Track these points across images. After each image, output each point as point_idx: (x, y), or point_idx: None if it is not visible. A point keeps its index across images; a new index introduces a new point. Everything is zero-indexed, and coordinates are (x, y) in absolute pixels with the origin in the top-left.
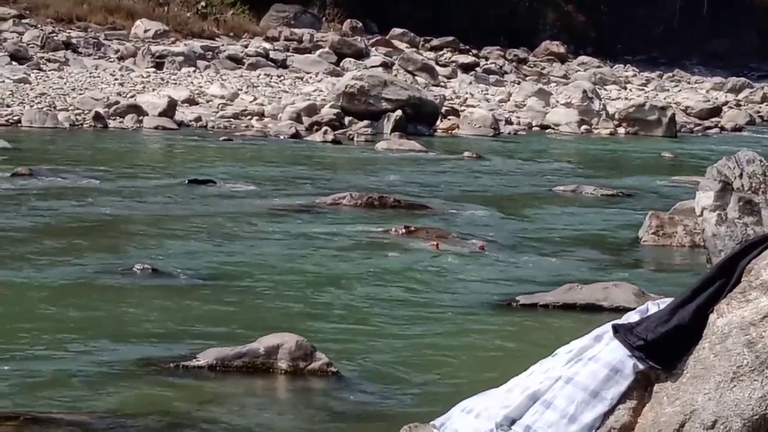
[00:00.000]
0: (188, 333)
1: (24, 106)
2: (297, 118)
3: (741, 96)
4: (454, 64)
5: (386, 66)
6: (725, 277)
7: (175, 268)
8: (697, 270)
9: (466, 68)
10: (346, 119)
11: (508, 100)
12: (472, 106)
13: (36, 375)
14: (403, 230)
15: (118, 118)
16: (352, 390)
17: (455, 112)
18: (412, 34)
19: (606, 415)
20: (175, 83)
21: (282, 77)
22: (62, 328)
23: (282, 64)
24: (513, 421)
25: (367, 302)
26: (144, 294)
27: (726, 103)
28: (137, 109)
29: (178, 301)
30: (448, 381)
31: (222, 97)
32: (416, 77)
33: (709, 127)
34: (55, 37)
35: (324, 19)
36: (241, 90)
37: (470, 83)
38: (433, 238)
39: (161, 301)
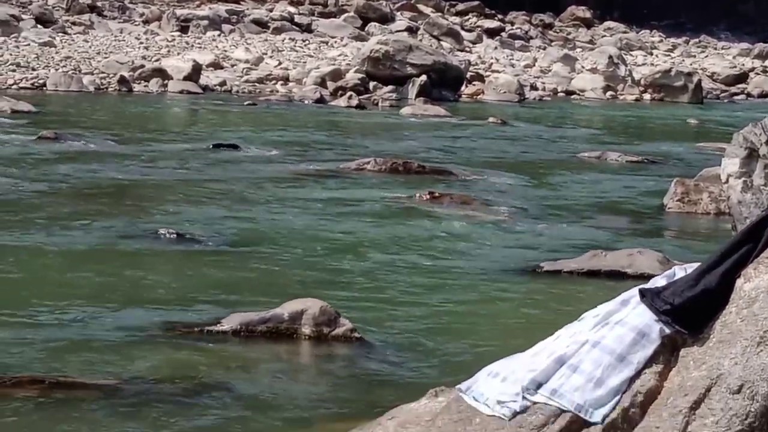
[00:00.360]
0: (212, 298)
1: (49, 70)
2: (322, 82)
3: None
4: (479, 29)
5: (411, 31)
6: (752, 242)
7: (199, 233)
8: (722, 237)
9: (492, 33)
10: (371, 84)
11: (534, 65)
12: (497, 72)
13: (60, 340)
14: (428, 196)
15: (142, 82)
16: (376, 356)
17: (480, 78)
18: None
19: (632, 379)
20: (200, 47)
21: (307, 42)
22: (86, 293)
23: (307, 29)
24: (539, 385)
25: (391, 268)
26: (168, 259)
27: (753, 69)
28: (162, 73)
29: (203, 266)
30: (473, 347)
31: (247, 61)
32: (441, 42)
33: (736, 94)
34: (80, 1)
35: None
36: (265, 54)
37: (495, 48)
38: (457, 204)
39: (185, 266)
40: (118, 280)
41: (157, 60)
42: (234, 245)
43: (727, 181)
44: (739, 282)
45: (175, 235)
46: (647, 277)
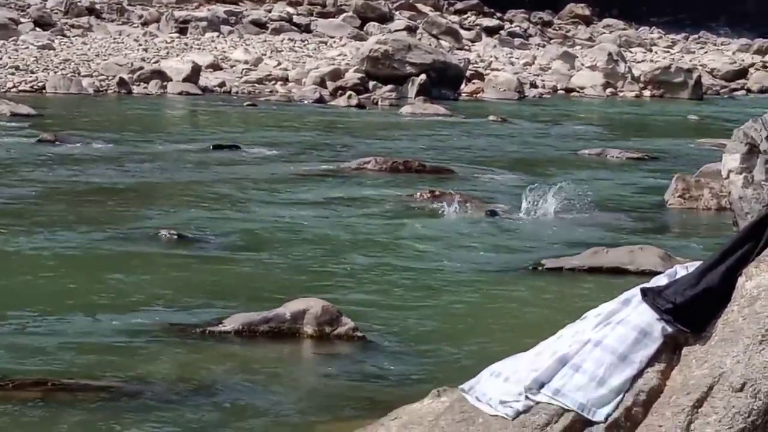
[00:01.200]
0: (214, 299)
1: (48, 73)
2: (321, 82)
3: None
4: (478, 27)
5: (410, 30)
6: (754, 240)
7: (200, 235)
8: (724, 232)
9: (491, 31)
10: (370, 84)
11: (533, 63)
12: (497, 70)
13: (62, 342)
14: (428, 194)
15: (142, 83)
16: (378, 355)
17: (480, 76)
18: None
19: (635, 378)
20: (199, 48)
21: (306, 42)
22: (87, 295)
23: (306, 29)
24: (542, 385)
25: (393, 268)
26: (170, 260)
27: (752, 64)
28: (161, 75)
29: (204, 267)
30: (476, 346)
31: (246, 62)
32: (440, 41)
33: (736, 89)
34: (78, 3)
35: None
36: (264, 55)
37: (495, 47)
38: (458, 202)
39: (187, 268)
40: (118, 282)
41: (156, 62)
42: (235, 246)
43: (727, 177)
44: (740, 280)
45: (176, 237)
46: (649, 274)
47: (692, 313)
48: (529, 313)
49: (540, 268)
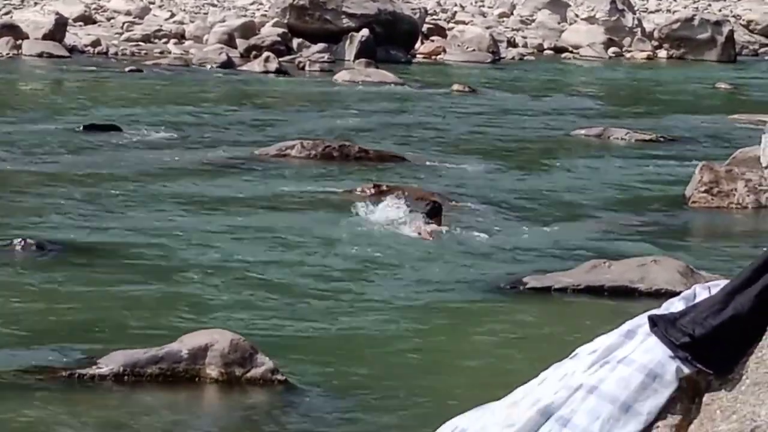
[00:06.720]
0: (86, 330)
1: None
2: (229, 40)
3: None
4: None
5: None
6: None
7: (67, 244)
8: (764, 240)
9: None
10: (295, 42)
11: (511, 13)
12: (463, 23)
13: None
14: (372, 190)
15: None
16: (305, 404)
17: (440, 31)
18: None
19: None
20: None
21: None
22: None
23: None
24: None
25: (325, 287)
26: (26, 277)
27: None
28: (14, 30)
29: (71, 286)
30: (434, 392)
31: (128, 13)
32: None
33: None
34: None
35: None
36: (153, 3)
37: None
38: (411, 201)
39: (49, 287)
40: None
41: (6, 13)
42: (113, 258)
43: None
44: None
45: (34, 247)
46: (665, 294)
47: (716, 349)
48: (505, 347)
49: (521, 287)
